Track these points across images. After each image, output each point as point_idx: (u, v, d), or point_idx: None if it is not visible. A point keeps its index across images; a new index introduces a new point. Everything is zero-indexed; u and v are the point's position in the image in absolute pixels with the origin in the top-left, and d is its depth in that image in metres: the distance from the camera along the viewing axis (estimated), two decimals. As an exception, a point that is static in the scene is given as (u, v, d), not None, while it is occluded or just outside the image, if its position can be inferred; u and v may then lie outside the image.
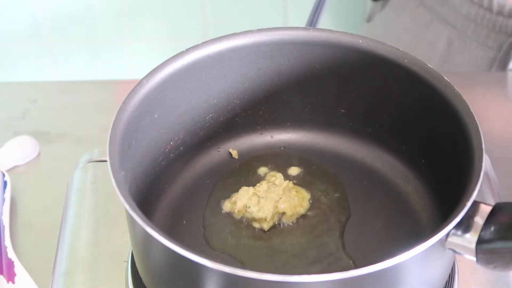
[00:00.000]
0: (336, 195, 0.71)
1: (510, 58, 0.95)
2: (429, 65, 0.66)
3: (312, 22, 0.88)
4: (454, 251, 0.55)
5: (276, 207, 0.68)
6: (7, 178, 0.79)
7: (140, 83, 0.64)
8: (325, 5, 0.86)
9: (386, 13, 1.12)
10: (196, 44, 0.67)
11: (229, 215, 0.70)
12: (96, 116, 0.89)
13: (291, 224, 0.69)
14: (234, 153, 0.75)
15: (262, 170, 0.74)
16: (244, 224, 0.69)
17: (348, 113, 0.74)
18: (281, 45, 0.70)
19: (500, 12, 0.93)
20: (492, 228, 0.54)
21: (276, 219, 0.69)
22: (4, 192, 0.77)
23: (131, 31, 1.46)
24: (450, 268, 0.65)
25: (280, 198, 0.69)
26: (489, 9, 0.94)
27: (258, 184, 0.70)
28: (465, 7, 0.97)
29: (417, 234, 0.67)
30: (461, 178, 0.58)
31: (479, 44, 0.97)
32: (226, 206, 0.70)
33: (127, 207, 0.54)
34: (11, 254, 0.71)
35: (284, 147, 0.76)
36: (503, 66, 0.97)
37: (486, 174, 0.77)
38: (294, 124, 0.76)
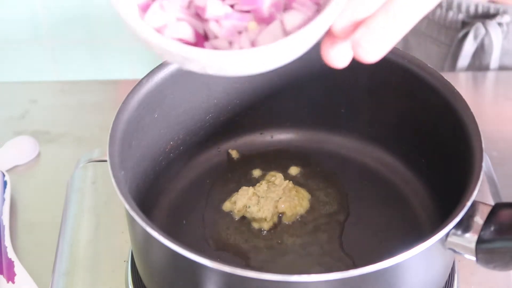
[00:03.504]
0: (335, 195, 0.71)
1: (460, 53, 0.97)
2: (429, 65, 0.66)
3: None
4: (454, 251, 0.55)
5: (276, 207, 0.68)
6: (7, 178, 0.79)
7: (140, 83, 0.64)
8: None
9: None
10: (196, 44, 0.67)
11: (229, 215, 0.70)
12: (96, 116, 0.89)
13: (291, 223, 0.69)
14: (234, 153, 0.75)
15: (262, 170, 0.74)
16: (244, 224, 0.69)
17: (348, 113, 0.74)
18: (281, 45, 0.69)
19: (449, 8, 0.96)
20: (492, 228, 0.54)
21: (276, 219, 0.69)
22: (4, 192, 0.77)
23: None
24: (450, 268, 0.65)
25: (280, 198, 0.69)
26: (439, 5, 0.96)
27: (258, 184, 0.70)
28: None
29: (417, 234, 0.67)
30: (461, 178, 0.58)
31: (433, 39, 1.00)
32: (226, 206, 0.70)
33: (127, 207, 0.54)
34: (11, 254, 0.71)
35: (284, 147, 0.76)
36: (455, 61, 0.99)
37: (486, 174, 0.77)
38: (294, 124, 0.76)
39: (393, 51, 0.67)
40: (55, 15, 1.42)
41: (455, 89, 0.63)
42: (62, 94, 0.94)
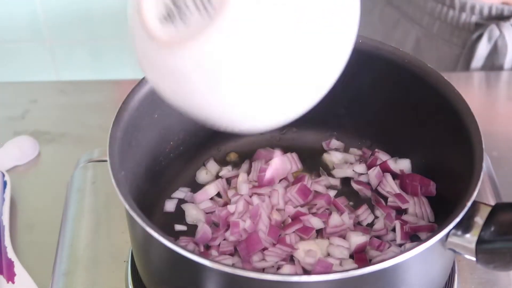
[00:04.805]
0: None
1: (474, 55, 0.97)
2: (429, 65, 0.66)
3: None
4: (454, 251, 0.55)
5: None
6: (7, 178, 0.79)
7: (140, 83, 0.64)
8: None
9: None
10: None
11: (229, 215, 0.70)
12: (96, 116, 0.89)
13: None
14: (234, 156, 0.75)
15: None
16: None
17: (348, 113, 0.74)
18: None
19: (462, 9, 0.95)
20: (492, 228, 0.54)
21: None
22: (4, 192, 0.77)
23: (131, 31, 1.46)
24: (450, 268, 0.65)
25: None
26: (452, 6, 0.95)
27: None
28: (429, 5, 0.99)
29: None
30: (461, 177, 0.58)
31: (445, 41, 0.99)
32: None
33: (127, 207, 0.54)
34: (11, 254, 0.71)
35: (284, 147, 0.76)
36: (468, 63, 0.98)
37: (486, 174, 0.77)
38: (294, 124, 0.76)
39: (393, 51, 0.68)
40: (55, 15, 1.42)
41: (455, 89, 0.63)
42: (62, 94, 0.94)
